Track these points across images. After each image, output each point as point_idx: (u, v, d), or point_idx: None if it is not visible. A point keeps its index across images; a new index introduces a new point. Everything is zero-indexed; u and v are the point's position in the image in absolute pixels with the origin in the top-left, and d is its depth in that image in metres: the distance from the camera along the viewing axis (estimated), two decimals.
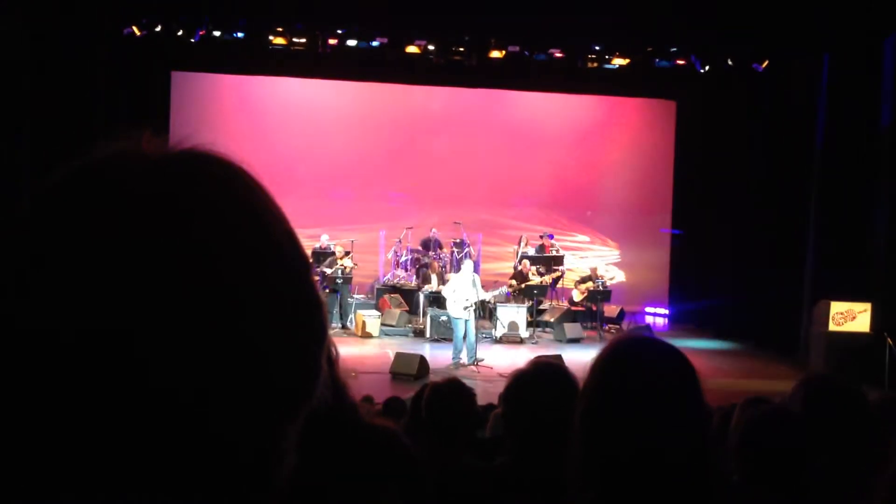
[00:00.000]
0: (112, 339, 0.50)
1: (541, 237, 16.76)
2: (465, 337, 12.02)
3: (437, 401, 3.26)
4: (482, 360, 12.02)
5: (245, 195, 0.58)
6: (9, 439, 0.50)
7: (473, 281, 12.10)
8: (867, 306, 12.15)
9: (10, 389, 0.50)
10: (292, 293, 0.57)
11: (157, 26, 14.90)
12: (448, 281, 13.03)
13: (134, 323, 0.50)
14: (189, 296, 0.51)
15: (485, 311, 14.43)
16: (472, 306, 11.98)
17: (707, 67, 15.90)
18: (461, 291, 12.00)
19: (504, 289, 14.09)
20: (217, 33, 15.22)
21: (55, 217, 0.53)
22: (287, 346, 0.56)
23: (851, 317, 12.18)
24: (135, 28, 14.68)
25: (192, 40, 15.27)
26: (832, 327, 12.17)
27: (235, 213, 0.56)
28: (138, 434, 0.50)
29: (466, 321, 11.97)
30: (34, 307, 0.51)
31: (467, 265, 12.78)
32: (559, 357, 7.61)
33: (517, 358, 11.76)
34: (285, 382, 0.56)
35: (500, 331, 14.06)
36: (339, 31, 15.51)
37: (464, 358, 12.00)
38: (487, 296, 13.07)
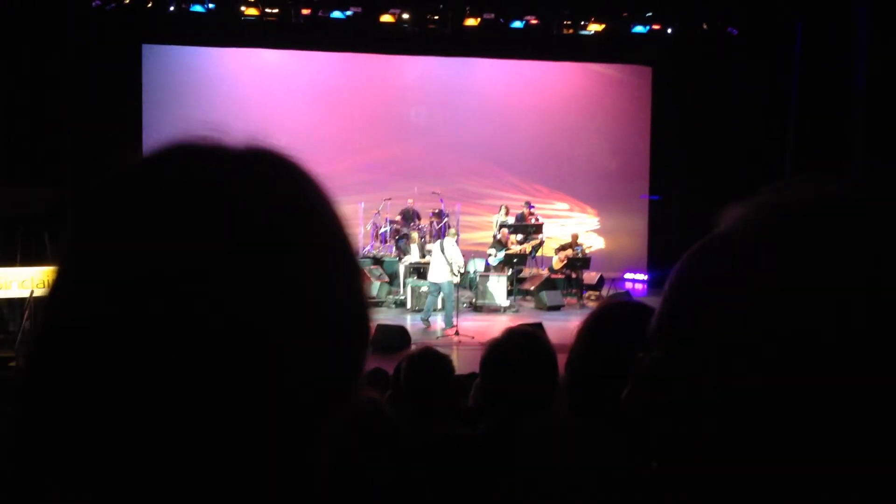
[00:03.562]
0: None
1: (522, 206, 16.77)
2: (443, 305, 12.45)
3: (412, 371, 3.28)
4: (453, 326, 12.10)
5: (317, 201, 0.61)
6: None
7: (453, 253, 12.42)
8: None
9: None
10: (349, 296, 0.60)
11: None
12: (430, 251, 13.12)
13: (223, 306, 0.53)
14: (266, 285, 0.54)
15: (466, 280, 14.48)
16: (456, 273, 12.26)
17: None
18: (444, 259, 12.23)
19: (494, 257, 14.34)
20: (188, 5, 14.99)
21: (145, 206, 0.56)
22: (341, 344, 0.58)
23: None
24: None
25: (164, 12, 15.02)
26: None
27: (311, 217, 0.59)
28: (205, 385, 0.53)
29: (442, 288, 12.24)
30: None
31: (450, 241, 12.88)
32: (539, 325, 7.67)
33: (498, 326, 11.80)
34: (334, 376, 0.58)
35: (480, 300, 14.11)
36: (313, 1, 15.30)
37: (440, 323, 12.32)
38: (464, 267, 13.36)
